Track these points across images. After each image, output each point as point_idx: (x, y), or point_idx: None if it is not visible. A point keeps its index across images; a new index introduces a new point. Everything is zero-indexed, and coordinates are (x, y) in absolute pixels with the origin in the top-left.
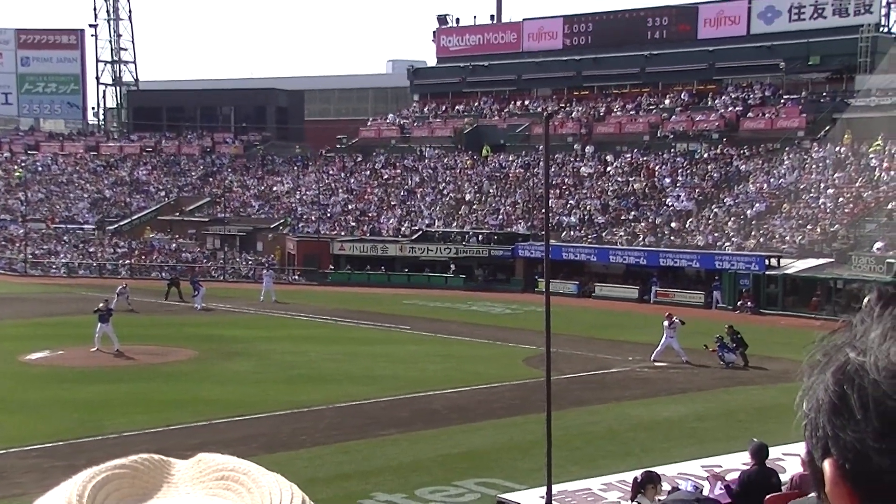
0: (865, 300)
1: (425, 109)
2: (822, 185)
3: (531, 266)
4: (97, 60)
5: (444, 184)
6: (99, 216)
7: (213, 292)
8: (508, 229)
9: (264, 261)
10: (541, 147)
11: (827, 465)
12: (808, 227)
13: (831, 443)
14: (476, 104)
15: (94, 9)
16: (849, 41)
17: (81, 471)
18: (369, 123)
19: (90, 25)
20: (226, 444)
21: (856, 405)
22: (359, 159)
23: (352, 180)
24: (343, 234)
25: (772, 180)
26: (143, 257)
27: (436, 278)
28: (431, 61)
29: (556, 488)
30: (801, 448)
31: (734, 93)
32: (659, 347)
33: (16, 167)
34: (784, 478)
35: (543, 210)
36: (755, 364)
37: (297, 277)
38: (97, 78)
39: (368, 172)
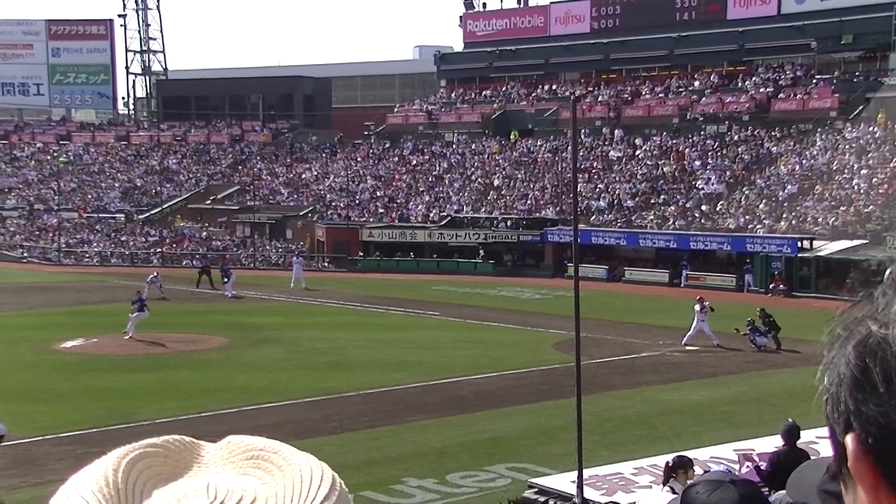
0: (887, 272)
1: (452, 95)
2: (856, 165)
3: (560, 251)
4: (126, 50)
5: (472, 169)
6: (130, 205)
7: (243, 280)
8: (537, 214)
9: (294, 248)
10: (569, 131)
11: (849, 440)
12: (842, 208)
13: (853, 417)
14: (503, 89)
15: None
16: (882, 19)
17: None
18: (396, 110)
19: (119, 15)
20: (256, 430)
21: (878, 378)
22: (386, 146)
23: (380, 167)
24: (372, 220)
25: (804, 161)
26: (174, 246)
27: (465, 264)
28: (458, 46)
29: (587, 472)
30: None
31: (765, 74)
32: (690, 332)
33: (54, 155)
34: None
35: (572, 195)
36: (788, 347)
37: (326, 264)
38: (126, 68)
39: (396, 159)
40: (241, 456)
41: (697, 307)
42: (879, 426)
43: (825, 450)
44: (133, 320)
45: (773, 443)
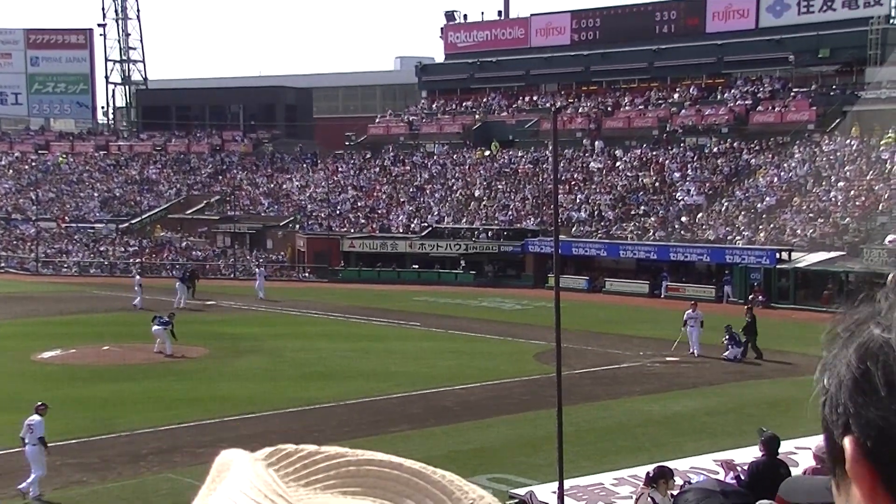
0: (890, 276)
1: (434, 106)
2: (833, 178)
3: (541, 262)
4: (106, 60)
5: (453, 180)
6: (110, 215)
7: (223, 290)
8: (518, 225)
9: (260, 259)
10: (550, 142)
11: (847, 443)
12: (820, 220)
13: (852, 420)
14: (484, 100)
15: (103, 8)
16: (859, 33)
17: (94, 467)
18: (378, 120)
19: (99, 25)
20: (238, 441)
21: (880, 382)
22: (367, 156)
23: (361, 177)
24: (353, 231)
25: (782, 174)
26: (154, 256)
27: (446, 275)
28: (439, 57)
29: (567, 483)
30: (813, 442)
31: (743, 86)
32: (694, 342)
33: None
34: (796, 472)
35: (553, 205)
36: (766, 358)
37: (307, 275)
38: (106, 77)
39: (377, 169)
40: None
41: (690, 311)
42: (879, 430)
43: (804, 460)
44: (167, 338)
45: (753, 453)
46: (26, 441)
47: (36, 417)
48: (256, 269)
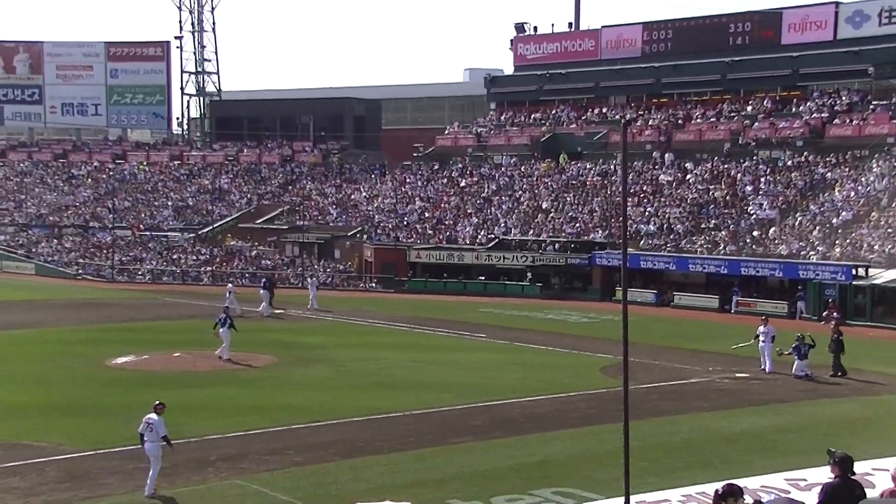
0: None
1: (502, 118)
2: None
3: (608, 274)
4: (182, 71)
5: (520, 192)
6: (182, 224)
7: (290, 299)
8: (585, 237)
9: (312, 269)
10: (619, 155)
11: None
12: None
13: None
14: (553, 112)
15: (180, 21)
16: None
17: (163, 472)
18: (446, 132)
19: (175, 37)
20: (304, 449)
21: None
22: (435, 168)
23: (428, 188)
24: (420, 242)
25: (859, 188)
26: (224, 264)
27: (512, 286)
28: (509, 69)
29: (634, 499)
30: (892, 463)
31: (819, 99)
32: (766, 358)
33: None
34: (872, 493)
35: (621, 218)
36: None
37: (373, 285)
38: (182, 89)
39: (445, 181)
40: None
41: (762, 328)
42: None
43: (881, 482)
44: (228, 338)
45: (826, 473)
46: (145, 438)
47: (154, 416)
48: (309, 280)
